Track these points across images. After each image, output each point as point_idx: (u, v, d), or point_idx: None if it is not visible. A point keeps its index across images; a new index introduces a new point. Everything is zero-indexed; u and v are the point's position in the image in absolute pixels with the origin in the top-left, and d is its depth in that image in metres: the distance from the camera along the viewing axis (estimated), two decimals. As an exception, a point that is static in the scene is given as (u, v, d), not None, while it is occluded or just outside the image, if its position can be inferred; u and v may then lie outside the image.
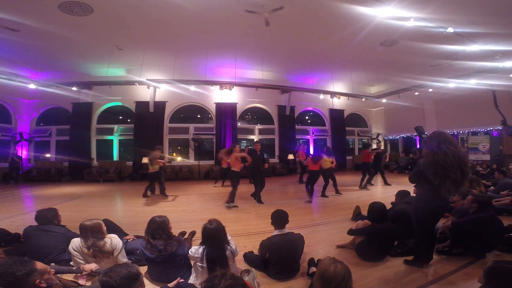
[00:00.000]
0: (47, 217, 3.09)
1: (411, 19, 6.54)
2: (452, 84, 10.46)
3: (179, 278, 2.39)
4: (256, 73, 12.15)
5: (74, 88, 10.52)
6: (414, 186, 2.91)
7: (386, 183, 8.56)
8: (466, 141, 11.44)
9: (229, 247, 2.52)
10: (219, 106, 12.10)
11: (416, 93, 11.96)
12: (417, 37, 7.67)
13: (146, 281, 2.43)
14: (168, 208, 5.99)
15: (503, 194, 5.54)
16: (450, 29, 6.91)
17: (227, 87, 11.30)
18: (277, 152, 13.21)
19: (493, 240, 3.07)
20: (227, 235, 2.68)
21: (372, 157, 8.34)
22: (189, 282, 2.45)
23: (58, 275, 2.25)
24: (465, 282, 2.56)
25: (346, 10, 6.43)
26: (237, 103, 12.37)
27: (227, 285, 1.39)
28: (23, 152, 10.94)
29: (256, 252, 3.05)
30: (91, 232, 2.64)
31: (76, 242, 2.66)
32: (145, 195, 7.18)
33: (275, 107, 13.17)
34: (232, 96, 12.23)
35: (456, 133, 11.87)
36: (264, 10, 6.41)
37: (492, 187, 6.34)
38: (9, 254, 2.77)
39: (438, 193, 2.57)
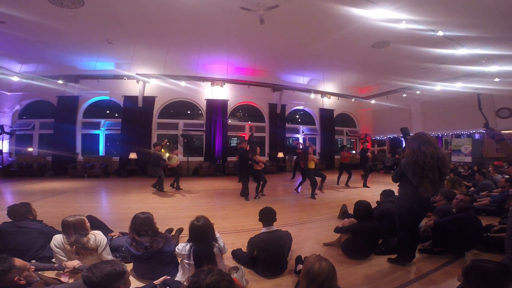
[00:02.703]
0: (19, 213, 2.92)
1: (403, 21, 6.66)
2: (439, 87, 10.75)
3: (165, 275, 2.37)
4: (248, 71, 12.11)
5: (60, 81, 10.20)
6: (398, 186, 3.00)
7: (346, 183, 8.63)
8: (450, 143, 11.79)
9: (216, 244, 2.51)
10: (210, 103, 12.00)
11: (404, 95, 12.23)
12: (408, 40, 7.81)
13: (131, 279, 2.39)
14: (155, 204, 5.91)
15: (482, 195, 5.75)
16: (440, 33, 7.07)
17: (219, 84, 11.22)
18: (267, 150, 13.23)
19: (472, 239, 3.19)
20: (216, 232, 2.67)
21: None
22: (176, 279, 2.43)
23: (39, 272, 2.19)
24: (445, 280, 2.65)
25: (340, 11, 6.47)
26: (228, 100, 12.30)
27: (213, 281, 1.38)
28: (3, 146, 10.53)
29: (244, 249, 3.05)
30: (74, 229, 2.56)
31: (58, 239, 2.58)
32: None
33: (266, 105, 13.19)
34: (223, 93, 12.15)
35: (440, 135, 12.22)
36: (259, 8, 6.38)
37: (473, 188, 6.58)
38: (-14, 251, 2.66)
39: (419, 192, 2.65)
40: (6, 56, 9.69)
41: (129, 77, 10.41)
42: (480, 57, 8.44)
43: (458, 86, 10.27)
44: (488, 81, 9.47)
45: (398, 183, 2.95)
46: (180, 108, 12.42)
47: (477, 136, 11.13)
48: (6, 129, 10.45)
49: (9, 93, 10.85)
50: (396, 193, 4.42)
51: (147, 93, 11.26)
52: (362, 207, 3.34)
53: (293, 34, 8.19)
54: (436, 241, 3.28)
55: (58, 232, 2.74)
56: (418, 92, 11.79)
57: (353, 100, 14.22)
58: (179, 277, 2.48)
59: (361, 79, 13.40)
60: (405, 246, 2.92)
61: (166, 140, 7.81)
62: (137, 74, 10.44)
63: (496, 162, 8.80)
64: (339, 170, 8.95)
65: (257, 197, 6.53)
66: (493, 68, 8.86)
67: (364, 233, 3.16)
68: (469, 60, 8.80)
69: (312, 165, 6.81)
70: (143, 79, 10.66)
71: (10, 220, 2.94)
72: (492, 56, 8.31)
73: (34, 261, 2.63)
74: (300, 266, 2.62)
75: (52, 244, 2.58)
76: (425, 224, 3.51)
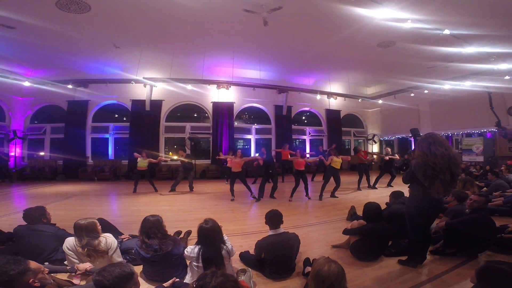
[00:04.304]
0: (34, 216, 3.01)
1: (408, 20, 6.59)
2: (448, 85, 10.57)
3: (174, 277, 2.39)
4: (254, 73, 12.14)
5: (70, 86, 10.42)
6: (408, 187, 2.96)
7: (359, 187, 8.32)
8: (460, 143, 11.56)
9: (225, 247, 2.52)
10: (216, 105, 12.07)
11: (412, 95, 12.06)
12: (414, 38, 7.72)
13: (141, 281, 2.42)
14: (164, 207, 5.96)
15: (495, 195, 5.62)
16: (447, 31, 6.96)
17: (224, 86, 11.28)
18: (273, 152, 13.20)
19: (486, 241, 3.11)
20: (224, 234, 2.68)
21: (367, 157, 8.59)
22: (184, 281, 2.45)
23: (52, 274, 2.23)
24: (457, 282, 2.60)
25: (344, 11, 6.45)
26: (234, 102, 12.35)
27: (218, 283, 1.40)
28: (16, 150, 10.81)
29: (252, 251, 3.05)
30: (86, 231, 2.61)
31: (70, 241, 2.64)
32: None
33: (272, 107, 13.19)
34: (229, 96, 12.22)
35: (450, 135, 12.00)
36: (262, 10, 6.40)
37: (485, 188, 6.43)
38: (2, 253, 2.73)
39: (430, 194, 2.61)
40: (18, 61, 9.98)
41: (137, 81, 10.57)
42: (488, 55, 8.27)
43: (467, 85, 10.07)
44: (498, 79, 9.27)
45: (409, 184, 2.91)
46: (187, 111, 12.54)
47: (488, 135, 10.89)
48: (19, 133, 10.73)
49: (21, 98, 11.16)
50: (406, 194, 4.38)
51: (154, 96, 11.41)
52: (371, 209, 3.30)
53: (297, 35, 8.19)
54: (448, 242, 3.22)
55: (70, 235, 2.80)
56: (426, 91, 11.61)
57: (360, 100, 14.09)
58: (187, 279, 2.50)
59: (367, 79, 13.28)
60: (416, 247, 2.88)
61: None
62: (144, 78, 10.59)
63: (509, 162, 8.59)
64: (363, 172, 8.43)
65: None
66: (503, 66, 8.66)
67: (373, 235, 3.12)
68: (478, 58, 8.62)
69: (336, 165, 7.00)
70: (150, 83, 10.80)
71: (25, 223, 3.03)
72: (501, 54, 8.13)
73: (47, 263, 2.69)
74: (308, 268, 2.61)
75: (64, 246, 2.63)
76: (437, 225, 3.45)
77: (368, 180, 8.57)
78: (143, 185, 7.86)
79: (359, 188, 8.22)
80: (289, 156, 8.46)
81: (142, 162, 7.80)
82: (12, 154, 10.64)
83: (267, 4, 6.25)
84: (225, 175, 11.10)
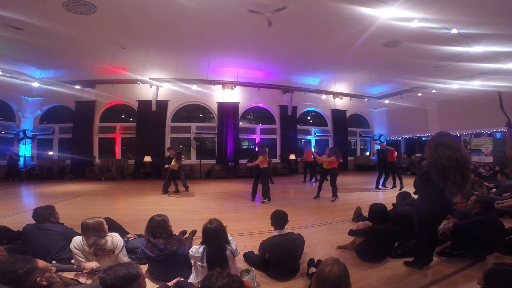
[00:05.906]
0: (43, 215, 3.06)
1: (415, 20, 6.52)
2: (456, 85, 10.40)
3: (179, 277, 2.41)
4: (258, 73, 12.15)
5: (77, 87, 10.59)
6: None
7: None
8: (469, 143, 11.37)
9: (229, 247, 2.53)
10: (221, 106, 12.11)
11: (419, 94, 11.90)
12: (421, 38, 7.63)
13: (146, 280, 2.44)
14: (169, 207, 6.01)
15: (505, 196, 5.52)
16: (454, 30, 6.87)
17: (229, 87, 11.31)
18: (278, 152, 13.20)
19: (494, 242, 3.06)
20: (228, 234, 2.69)
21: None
22: (189, 281, 2.46)
23: (59, 273, 2.27)
24: (464, 284, 2.56)
25: (350, 11, 6.41)
26: (239, 102, 12.37)
27: (224, 283, 1.40)
28: (26, 150, 11.02)
29: (256, 252, 3.05)
30: (93, 230, 2.65)
31: (77, 240, 2.68)
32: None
33: (277, 107, 13.17)
34: (234, 96, 12.24)
35: (459, 135, 11.80)
36: (266, 10, 6.41)
37: (494, 189, 6.32)
38: (10, 252, 2.78)
39: (441, 195, 2.58)
40: (27, 62, 10.18)
41: (143, 82, 10.67)
42: (497, 55, 8.11)
43: (476, 84, 9.90)
44: (508, 78, 9.08)
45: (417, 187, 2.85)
46: (193, 111, 12.63)
47: (498, 135, 10.68)
48: (28, 133, 10.94)
49: (30, 99, 11.38)
50: (413, 195, 4.32)
51: (160, 97, 11.51)
52: (377, 210, 3.27)
53: (301, 35, 8.17)
54: (455, 243, 3.17)
55: (77, 234, 2.85)
56: (433, 91, 11.45)
57: (366, 100, 13.98)
58: (192, 279, 2.51)
59: (373, 79, 13.16)
60: (423, 249, 2.84)
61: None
62: (150, 78, 10.69)
63: (519, 162, 8.42)
64: (383, 170, 8.31)
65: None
66: (513, 65, 8.50)
67: (379, 236, 3.09)
68: (486, 58, 8.47)
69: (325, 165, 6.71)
70: (156, 83, 10.90)
71: (34, 221, 3.09)
72: (510, 53, 7.97)
73: (54, 262, 2.73)
74: (312, 269, 2.60)
75: (71, 245, 2.68)
76: (444, 226, 3.39)
77: (400, 179, 8.14)
78: (149, 185, 7.94)
79: (384, 185, 8.37)
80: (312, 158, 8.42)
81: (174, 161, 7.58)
82: (22, 154, 10.86)
83: (271, 4, 6.25)
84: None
